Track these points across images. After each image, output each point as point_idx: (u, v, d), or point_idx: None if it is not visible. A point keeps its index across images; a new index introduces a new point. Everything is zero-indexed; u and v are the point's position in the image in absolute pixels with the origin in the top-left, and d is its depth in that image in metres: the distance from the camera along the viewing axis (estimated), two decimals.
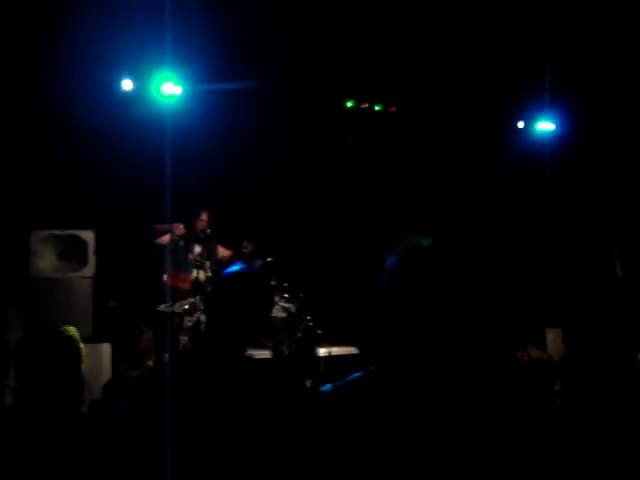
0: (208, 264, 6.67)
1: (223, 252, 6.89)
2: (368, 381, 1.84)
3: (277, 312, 7.36)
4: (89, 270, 6.45)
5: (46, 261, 6.45)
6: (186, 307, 6.49)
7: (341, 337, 7.36)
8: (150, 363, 4.37)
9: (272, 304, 2.71)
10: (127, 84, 6.74)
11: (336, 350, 7.25)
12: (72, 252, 6.49)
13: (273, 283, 7.40)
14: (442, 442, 1.76)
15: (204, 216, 6.63)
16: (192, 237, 6.59)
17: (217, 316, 2.53)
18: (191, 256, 6.58)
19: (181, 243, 6.53)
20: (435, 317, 1.81)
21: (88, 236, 6.48)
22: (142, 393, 2.42)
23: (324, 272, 8.00)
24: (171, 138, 7.15)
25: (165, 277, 6.55)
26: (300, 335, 7.37)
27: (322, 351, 7.23)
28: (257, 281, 2.60)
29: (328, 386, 1.90)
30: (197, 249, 6.64)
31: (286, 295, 7.43)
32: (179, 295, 6.53)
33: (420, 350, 1.81)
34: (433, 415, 1.78)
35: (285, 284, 7.46)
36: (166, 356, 5.74)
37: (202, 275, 6.61)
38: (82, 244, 6.47)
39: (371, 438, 1.77)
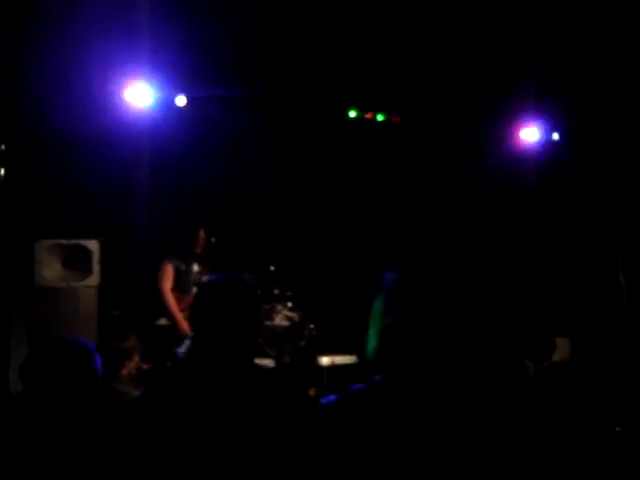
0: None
1: None
2: (373, 392, 1.86)
3: (280, 321, 7.37)
4: (94, 279, 6.48)
5: (51, 270, 6.47)
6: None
7: (345, 346, 7.35)
8: (124, 372, 4.29)
9: (259, 311, 2.67)
10: (131, 95, 6.75)
11: (339, 359, 7.25)
12: (77, 261, 6.52)
13: (276, 292, 7.42)
14: (449, 454, 1.77)
15: (202, 234, 6.69)
16: (191, 257, 6.64)
17: (202, 325, 2.52)
18: (192, 276, 6.63)
19: (182, 267, 6.57)
20: (440, 328, 1.82)
21: (93, 245, 6.51)
22: (143, 411, 2.44)
23: (328, 281, 8.00)
24: (175, 149, 7.21)
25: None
26: (303, 344, 7.38)
27: (325, 360, 7.23)
28: (240, 288, 2.57)
29: (332, 396, 1.91)
30: (196, 268, 6.69)
31: (289, 304, 7.45)
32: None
33: (427, 362, 1.82)
34: (440, 427, 1.78)
35: (288, 293, 7.47)
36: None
37: None
38: (87, 253, 6.49)
39: (375, 450, 1.78)
